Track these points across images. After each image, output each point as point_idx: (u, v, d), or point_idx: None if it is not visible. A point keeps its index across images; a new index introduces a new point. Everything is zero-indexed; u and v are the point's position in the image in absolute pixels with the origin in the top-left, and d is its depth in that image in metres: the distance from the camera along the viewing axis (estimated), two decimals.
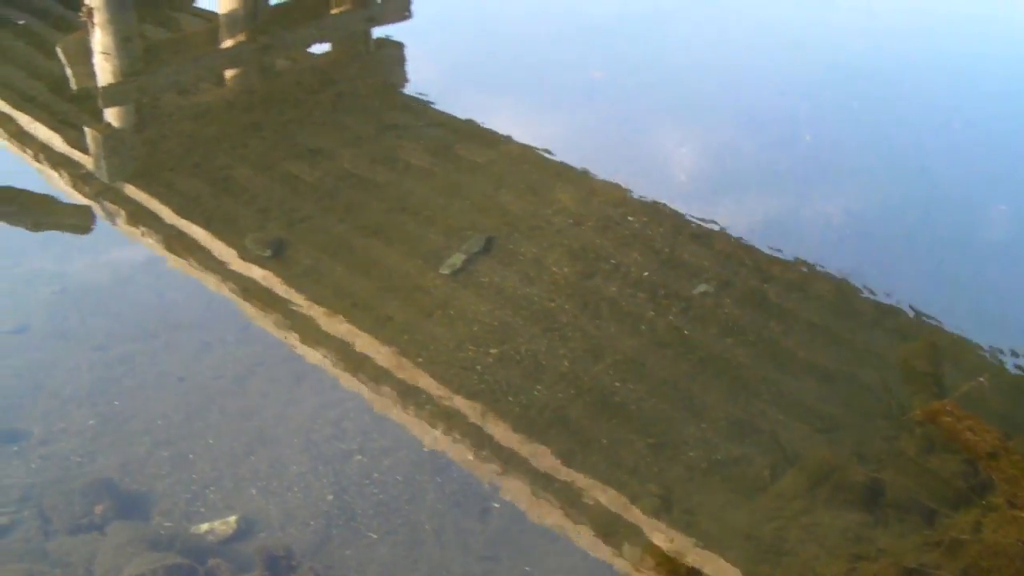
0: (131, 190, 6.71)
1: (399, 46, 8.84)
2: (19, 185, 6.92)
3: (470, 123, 7.46)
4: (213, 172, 6.80)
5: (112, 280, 5.91)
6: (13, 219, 6.57)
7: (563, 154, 7.06)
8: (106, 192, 6.74)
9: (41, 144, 7.35)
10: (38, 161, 7.19)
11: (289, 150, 7.02)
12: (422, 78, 8.29)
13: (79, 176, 6.93)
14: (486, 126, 7.42)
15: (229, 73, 8.63)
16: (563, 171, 6.89)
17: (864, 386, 5.09)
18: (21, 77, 8.33)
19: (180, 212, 6.35)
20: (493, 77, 8.32)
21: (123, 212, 6.51)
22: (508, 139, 7.24)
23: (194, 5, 10.09)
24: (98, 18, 9.14)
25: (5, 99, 7.93)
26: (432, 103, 7.73)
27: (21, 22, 9.42)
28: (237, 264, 5.89)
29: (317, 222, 6.24)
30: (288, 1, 9.91)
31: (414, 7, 9.66)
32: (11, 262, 6.05)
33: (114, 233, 6.37)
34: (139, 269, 6.01)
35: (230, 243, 6.03)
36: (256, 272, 5.82)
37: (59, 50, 8.79)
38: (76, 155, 7.20)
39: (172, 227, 6.27)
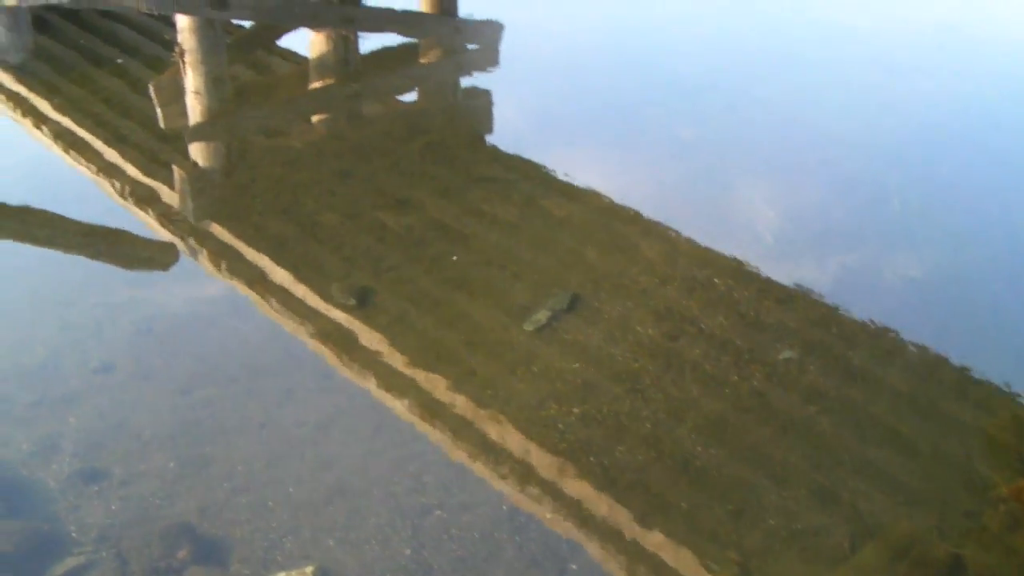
0: (216, 229, 6.90)
1: (487, 95, 8.99)
2: (106, 221, 7.13)
3: (557, 176, 7.58)
4: (301, 218, 6.97)
5: (197, 321, 6.05)
6: (99, 254, 6.78)
7: (650, 210, 7.14)
8: (191, 230, 6.94)
9: (129, 180, 7.57)
10: (124, 197, 7.41)
11: (377, 199, 7.18)
12: (511, 128, 8.43)
13: (165, 214, 7.13)
14: (574, 180, 7.53)
15: (318, 117, 8.83)
16: (650, 228, 6.98)
17: (948, 458, 5.11)
18: (113, 115, 8.58)
19: (267, 255, 6.52)
20: (581, 128, 8.43)
21: (206, 251, 6.69)
22: (596, 193, 7.35)
23: (286, 48, 10.31)
24: (190, 58, 9.41)
25: (96, 135, 8.18)
26: (521, 155, 7.86)
27: (119, 61, 9.69)
28: (322, 311, 6.02)
29: (403, 272, 6.38)
30: (379, 48, 10.12)
31: (502, 55, 9.84)
32: (98, 299, 6.23)
33: (198, 272, 6.55)
34: (223, 311, 6.15)
35: (316, 290, 6.17)
36: (341, 320, 5.95)
37: (151, 89, 9.04)
38: (163, 192, 7.41)
39: (257, 269, 6.44)
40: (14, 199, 7.44)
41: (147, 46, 10.25)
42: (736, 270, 6.52)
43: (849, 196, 7.51)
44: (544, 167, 7.70)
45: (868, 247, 6.90)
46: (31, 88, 9.15)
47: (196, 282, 6.48)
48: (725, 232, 6.95)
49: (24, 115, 8.71)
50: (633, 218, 7.10)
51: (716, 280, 6.39)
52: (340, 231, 6.81)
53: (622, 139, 8.28)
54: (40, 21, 10.82)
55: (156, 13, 10.81)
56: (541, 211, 7.12)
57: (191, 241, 6.83)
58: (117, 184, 7.56)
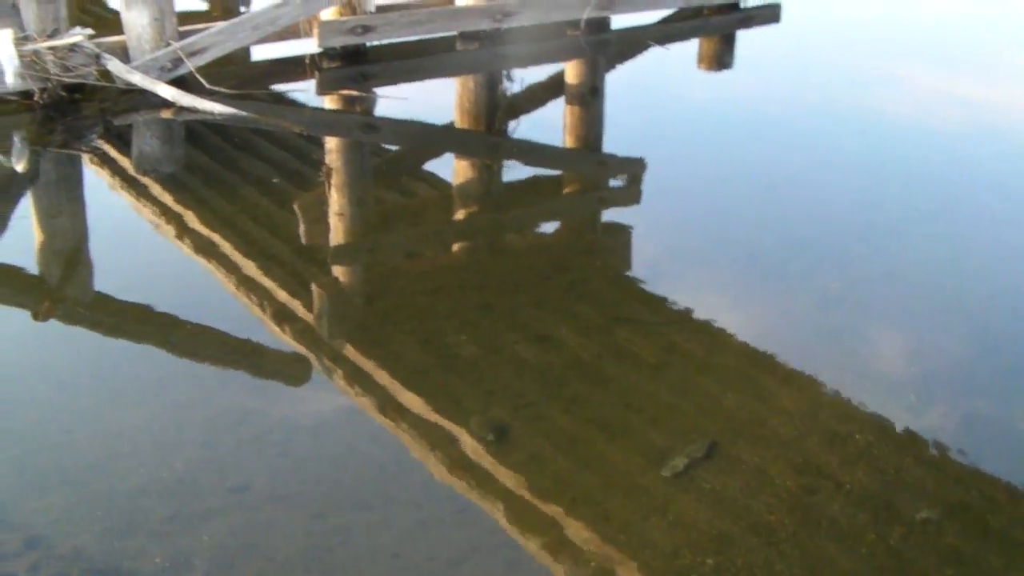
0: (352, 352, 7.18)
1: (628, 232, 9.20)
2: (243, 333, 7.46)
3: (699, 319, 7.75)
4: (442, 348, 7.21)
5: (333, 444, 6.26)
6: (237, 367, 7.10)
7: (792, 359, 7.28)
8: (327, 350, 7.24)
9: (268, 295, 7.91)
10: (263, 311, 7.75)
11: (519, 334, 7.41)
12: (652, 266, 8.63)
13: (302, 331, 7.45)
14: (715, 323, 7.70)
15: (459, 245, 9.13)
16: (791, 378, 7.10)
17: None
18: (257, 230, 8.96)
19: (406, 384, 6.76)
20: (724, 270, 8.58)
21: (341, 372, 6.97)
22: (736, 339, 7.50)
23: (430, 172, 10.69)
24: (336, 179, 9.83)
25: (238, 248, 8.56)
26: (662, 295, 8.06)
27: (275, 180, 10.13)
28: (459, 443, 6.21)
29: (541, 409, 6.58)
30: (522, 179, 10.45)
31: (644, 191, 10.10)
32: (237, 418, 6.50)
33: (335, 394, 6.82)
34: (360, 435, 6.37)
35: (455, 422, 6.37)
36: (477, 454, 6.13)
37: (296, 207, 9.44)
38: (301, 310, 7.74)
39: (392, 396, 6.68)
40: (155, 306, 7.81)
41: (294, 164, 10.67)
42: (877, 426, 6.61)
43: (996, 356, 7.56)
44: (685, 309, 7.87)
45: (1013, 408, 6.95)
46: (179, 199, 9.58)
47: (333, 404, 6.72)
48: (867, 387, 7.03)
49: (169, 224, 9.14)
50: (774, 367, 7.22)
51: (857, 435, 6.49)
52: (480, 364, 7.05)
53: (765, 282, 8.41)
54: (192, 134, 11.35)
55: (307, 133, 11.29)
56: (682, 354, 7.29)
57: (326, 361, 7.13)
58: (256, 298, 7.90)
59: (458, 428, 6.35)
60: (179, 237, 8.88)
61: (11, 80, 11.26)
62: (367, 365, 6.99)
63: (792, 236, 9.10)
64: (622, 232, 9.19)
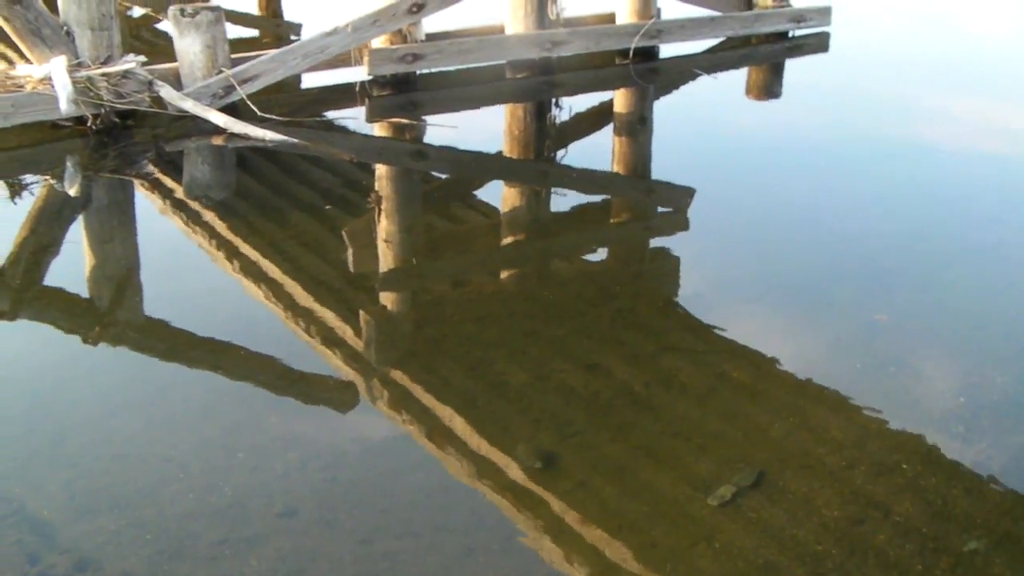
0: (400, 377, 7.23)
1: (676, 260, 9.22)
2: (290, 358, 7.52)
3: (747, 347, 7.75)
4: (490, 376, 7.24)
5: (380, 470, 6.29)
6: (284, 392, 7.14)
7: (840, 389, 7.25)
8: (375, 375, 7.29)
9: (316, 320, 7.97)
10: (311, 336, 7.80)
11: (567, 362, 7.42)
12: (700, 293, 8.63)
13: (349, 355, 7.51)
14: (764, 352, 7.70)
15: (508, 273, 9.17)
16: (839, 407, 7.08)
17: None
18: (306, 256, 9.03)
19: (454, 410, 6.79)
20: (771, 298, 8.57)
21: (388, 397, 7.02)
22: (785, 368, 7.50)
23: (479, 199, 10.73)
24: (385, 206, 9.89)
25: (287, 273, 8.64)
26: (711, 324, 8.05)
27: (327, 207, 10.21)
28: (506, 471, 6.24)
29: (589, 438, 6.58)
30: (570, 206, 10.48)
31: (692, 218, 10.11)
32: (286, 444, 6.54)
33: (382, 419, 6.86)
34: (406, 461, 6.39)
35: (503, 449, 6.40)
36: (524, 482, 6.15)
37: (345, 233, 9.50)
38: (349, 336, 7.79)
39: (440, 422, 6.71)
40: (205, 330, 7.89)
41: (343, 190, 10.75)
42: (925, 456, 6.59)
43: None
44: (733, 338, 7.87)
45: None
46: (229, 225, 9.67)
47: (380, 429, 6.76)
48: (915, 417, 7.01)
49: (219, 249, 9.22)
50: (821, 396, 7.21)
51: (904, 466, 6.47)
52: (528, 392, 7.07)
53: (812, 311, 8.39)
54: (242, 160, 11.45)
55: (357, 160, 11.37)
56: (730, 383, 7.29)
57: (374, 386, 7.17)
58: (304, 323, 7.95)
59: (505, 455, 6.37)
60: (229, 262, 8.96)
61: (65, 106, 11.39)
62: (415, 391, 7.03)
63: (840, 266, 9.08)
64: (670, 260, 9.20)
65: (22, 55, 12.13)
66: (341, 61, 13.10)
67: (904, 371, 7.54)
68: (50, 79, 11.42)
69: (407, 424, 6.72)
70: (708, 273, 9.04)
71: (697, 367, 7.44)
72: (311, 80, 13.73)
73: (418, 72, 13.67)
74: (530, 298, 8.47)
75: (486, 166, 11.70)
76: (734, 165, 11.50)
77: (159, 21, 19.55)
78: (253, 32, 18.69)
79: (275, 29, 19.24)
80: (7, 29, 11.69)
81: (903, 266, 9.06)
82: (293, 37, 17.91)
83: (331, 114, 12.93)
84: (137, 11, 20.72)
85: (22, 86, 11.61)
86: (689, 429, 6.70)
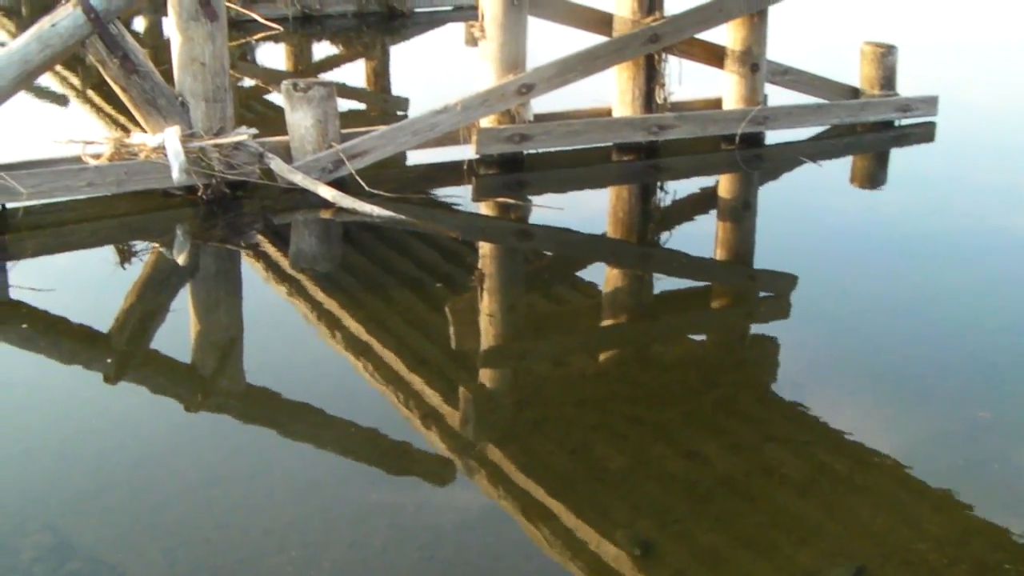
0: (498, 455, 7.27)
1: (776, 347, 9.18)
2: (391, 433, 7.60)
3: (849, 439, 7.68)
4: (590, 460, 7.24)
5: (479, 549, 6.32)
6: (383, 466, 7.20)
7: (942, 485, 7.17)
8: (474, 453, 7.34)
9: (415, 395, 8.05)
10: (409, 410, 7.86)
11: (667, 448, 7.41)
12: (801, 382, 8.58)
13: (449, 433, 7.57)
14: (865, 444, 7.63)
15: (608, 355, 9.19)
16: (941, 504, 7.00)
17: None
18: (407, 330, 9.12)
19: (552, 493, 6.80)
20: (873, 389, 8.49)
21: (487, 476, 7.05)
22: (887, 461, 7.42)
23: (581, 279, 10.78)
24: (488, 284, 9.97)
25: (388, 347, 8.72)
26: (812, 414, 8.00)
27: (438, 285, 10.30)
28: (603, 557, 6.23)
29: (688, 526, 6.56)
30: (672, 290, 10.50)
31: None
32: (385, 520, 6.58)
33: (480, 497, 6.89)
34: (506, 543, 6.42)
35: (601, 533, 6.39)
36: (623, 569, 6.14)
37: (447, 309, 9.58)
38: (449, 412, 7.84)
39: (537, 503, 6.73)
40: (306, 402, 8.00)
41: (447, 267, 10.84)
42: None
43: None
44: (834, 428, 7.81)
45: None
46: (333, 298, 9.78)
47: (479, 509, 6.78)
48: (1019, 516, 6.91)
49: (322, 322, 9.33)
50: (923, 491, 7.13)
51: (1007, 565, 6.37)
52: (628, 478, 7.05)
53: (914, 404, 8.30)
54: (348, 234, 11.59)
55: (462, 238, 11.47)
56: (831, 475, 7.23)
57: (473, 465, 7.20)
58: (404, 397, 8.02)
59: (604, 540, 6.36)
60: (331, 335, 9.06)
61: (177, 175, 11.60)
62: (514, 471, 7.06)
63: (943, 358, 9.00)
64: (771, 347, 9.18)
65: (137, 124, 12.37)
66: (449, 139, 13.22)
67: (1008, 468, 7.46)
68: (163, 148, 11.64)
69: (505, 503, 6.74)
70: (810, 362, 9.00)
71: (798, 457, 7.41)
72: (417, 157, 13.85)
73: (525, 152, 13.74)
74: (632, 382, 8.47)
75: (590, 247, 11.75)
76: (837, 253, 11.45)
77: (269, 92, 19.88)
78: (361, 106, 18.92)
79: (383, 104, 19.48)
80: (123, 98, 11.95)
81: (1007, 362, 8.95)
82: (400, 112, 18.13)
83: (438, 191, 13.03)
84: (248, 82, 21.09)
85: (136, 154, 11.85)
86: (789, 520, 6.65)
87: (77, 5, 11.33)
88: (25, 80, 11.66)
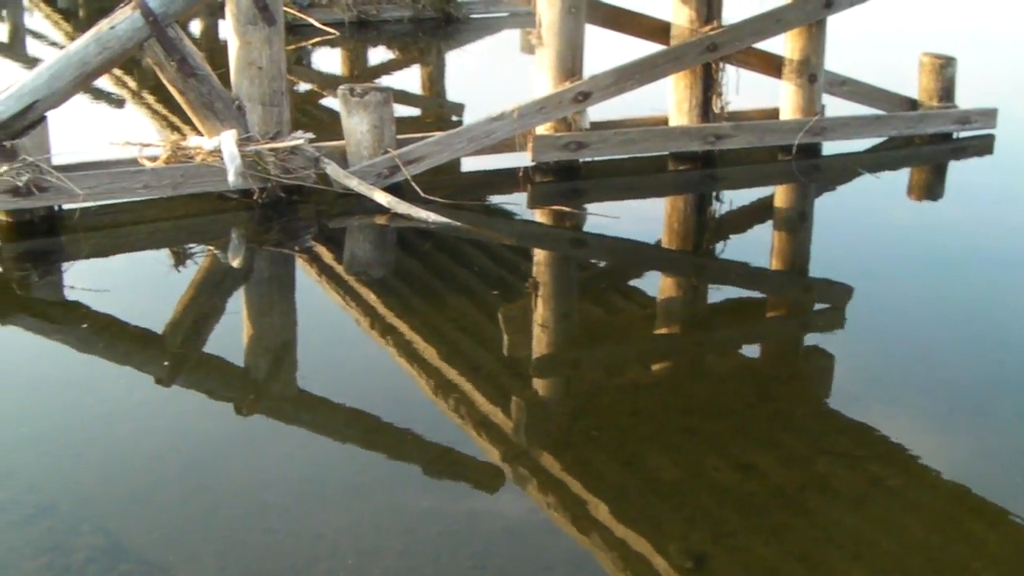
0: (551, 463, 7.26)
1: (831, 359, 9.11)
2: (443, 440, 7.59)
3: (905, 454, 7.62)
4: (644, 472, 7.22)
5: (531, 559, 6.30)
6: (437, 474, 7.20)
7: (1000, 502, 7.09)
8: (527, 462, 7.32)
9: (467, 401, 8.05)
10: (460, 417, 7.86)
11: (721, 460, 7.36)
12: (856, 395, 8.52)
13: (502, 441, 7.56)
14: (921, 460, 7.56)
15: (661, 365, 9.16)
16: (997, 521, 6.92)
17: None
18: (462, 337, 9.14)
19: (605, 504, 6.78)
20: (929, 404, 8.41)
21: (540, 486, 7.03)
22: (943, 476, 7.35)
23: (635, 287, 10.77)
24: (542, 291, 9.97)
25: (440, 355, 8.73)
26: (867, 428, 7.94)
27: (492, 292, 10.30)
28: (658, 571, 6.20)
29: (742, 540, 6.51)
30: (726, 300, 10.47)
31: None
32: (436, 527, 6.57)
33: (533, 506, 6.89)
34: (557, 552, 6.39)
35: (654, 546, 6.36)
36: None
37: (500, 317, 9.58)
38: (501, 420, 7.83)
39: (591, 515, 6.70)
40: (357, 407, 8.03)
41: (501, 274, 10.84)
42: None
43: None
44: (889, 443, 7.75)
45: None
46: (387, 303, 9.80)
47: (531, 518, 6.78)
48: None
49: (375, 327, 9.35)
50: (980, 508, 7.07)
51: None
52: (681, 489, 7.03)
53: (972, 420, 8.21)
54: (402, 240, 11.61)
55: (516, 245, 11.48)
56: (886, 490, 7.18)
57: (526, 474, 7.19)
58: (454, 403, 8.02)
59: (656, 552, 6.33)
60: (384, 340, 9.07)
61: (233, 179, 11.66)
62: (566, 480, 7.05)
63: (1000, 373, 8.92)
64: (826, 360, 9.12)
65: (193, 127, 12.44)
66: (505, 146, 13.22)
67: None
68: (220, 152, 11.70)
69: (557, 512, 6.74)
70: (865, 374, 8.94)
71: (852, 471, 7.36)
72: (472, 163, 13.87)
73: (581, 160, 13.73)
74: (686, 393, 8.45)
75: (644, 256, 11.73)
76: (894, 265, 11.38)
77: (324, 97, 19.98)
78: (416, 111, 18.97)
79: (438, 109, 19.53)
80: (180, 101, 12.02)
81: None
82: (455, 118, 18.17)
83: (493, 198, 13.03)
84: (303, 86, 21.19)
85: (192, 157, 11.92)
86: (843, 536, 6.61)
87: (136, 8, 11.41)
88: (83, 82, 11.75)
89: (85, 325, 9.38)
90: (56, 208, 11.60)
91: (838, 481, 7.23)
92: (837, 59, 15.44)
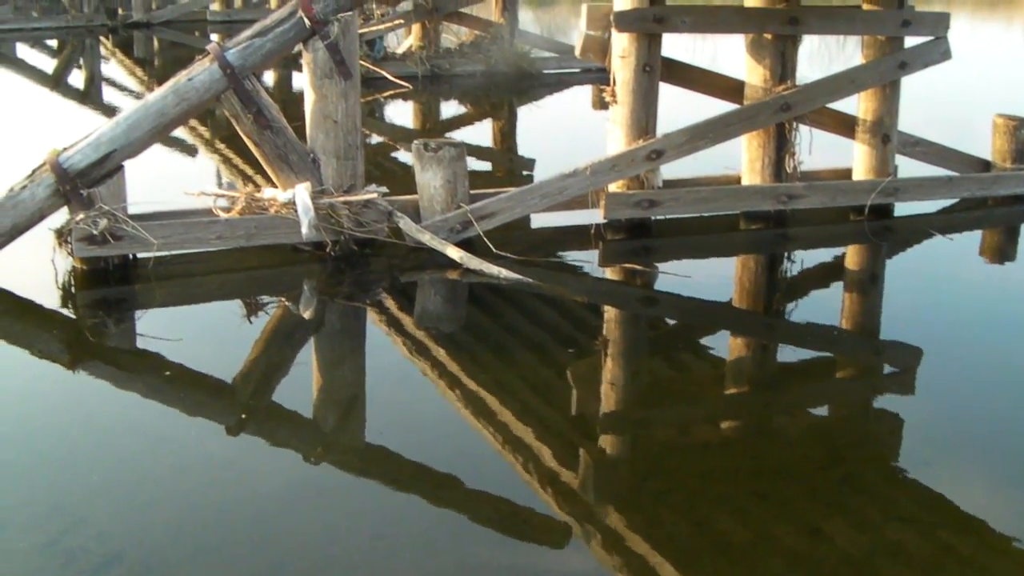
0: (618, 522, 7.26)
1: (902, 422, 9.04)
2: (511, 496, 7.60)
3: (977, 521, 7.52)
4: (714, 534, 7.20)
5: None
6: (505, 531, 7.21)
7: None
8: (595, 522, 7.32)
9: (534, 457, 8.08)
10: (528, 473, 7.87)
11: (791, 525, 7.35)
12: (927, 459, 8.45)
13: (570, 499, 7.55)
14: (994, 526, 7.47)
15: (731, 425, 9.14)
16: None
17: None
18: (531, 395, 9.17)
19: (677, 566, 6.78)
20: (1001, 470, 8.32)
21: (608, 546, 7.03)
22: (1016, 545, 7.27)
23: (704, 345, 10.77)
24: (611, 349, 10.00)
25: (509, 411, 8.76)
26: (938, 493, 7.88)
27: (562, 349, 10.34)
28: None
29: None
30: (796, 361, 10.44)
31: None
32: None
33: (598, 567, 6.89)
34: None
35: None
36: None
37: (570, 374, 9.61)
38: (568, 477, 7.84)
39: (655, 573, 6.71)
40: (425, 461, 8.06)
41: (571, 331, 10.88)
42: None
43: None
44: (960, 509, 7.69)
45: None
46: (456, 359, 9.86)
47: (596, 574, 6.80)
48: None
49: (443, 382, 9.40)
50: None
51: None
52: (751, 553, 7.00)
53: None
54: (474, 295, 11.67)
55: (587, 302, 11.51)
56: (956, 557, 7.13)
57: (592, 531, 7.19)
58: (522, 459, 8.04)
59: None
60: (454, 395, 9.11)
61: (306, 231, 11.79)
62: (634, 541, 7.05)
63: None
64: (896, 423, 9.07)
65: (268, 179, 12.59)
66: (577, 203, 13.28)
67: None
68: (294, 204, 11.83)
69: (625, 573, 6.74)
70: (936, 439, 8.87)
71: (923, 538, 7.32)
72: (543, 220, 13.91)
73: (653, 218, 13.76)
74: (755, 455, 8.41)
75: (715, 316, 11.72)
76: (966, 328, 11.30)
77: (397, 150, 20.15)
78: (487, 166, 19.09)
79: (508, 164, 19.65)
80: (256, 153, 12.19)
81: None
82: (526, 173, 18.27)
83: (564, 255, 13.08)
84: (376, 138, 21.39)
85: (266, 209, 12.07)
86: None
87: (214, 60, 11.60)
88: (161, 132, 11.94)
89: (160, 374, 9.48)
90: (131, 257, 11.77)
91: (908, 547, 7.19)
92: (909, 116, 15.39)
